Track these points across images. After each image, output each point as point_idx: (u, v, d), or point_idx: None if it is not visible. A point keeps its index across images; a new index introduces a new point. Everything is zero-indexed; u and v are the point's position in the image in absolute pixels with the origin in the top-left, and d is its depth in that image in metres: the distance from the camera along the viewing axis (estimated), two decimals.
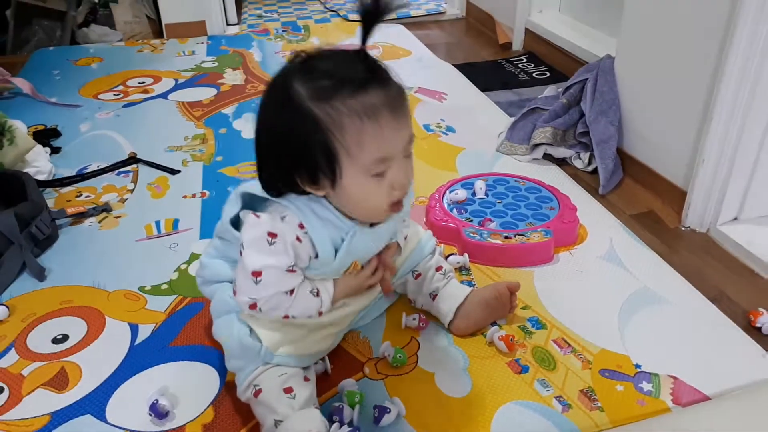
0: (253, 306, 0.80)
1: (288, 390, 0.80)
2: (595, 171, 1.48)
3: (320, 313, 0.85)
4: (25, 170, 1.41)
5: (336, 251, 0.81)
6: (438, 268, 1.02)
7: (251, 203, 0.83)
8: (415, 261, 1.01)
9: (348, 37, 2.48)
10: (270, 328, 0.84)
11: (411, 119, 0.77)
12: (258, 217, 0.78)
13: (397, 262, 0.99)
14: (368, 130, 0.70)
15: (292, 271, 0.80)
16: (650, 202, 1.40)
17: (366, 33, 0.71)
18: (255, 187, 0.82)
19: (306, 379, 0.84)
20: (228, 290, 0.87)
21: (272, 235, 0.77)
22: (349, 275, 0.87)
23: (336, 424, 0.82)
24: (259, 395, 0.81)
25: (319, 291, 0.84)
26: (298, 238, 0.78)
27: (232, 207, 0.85)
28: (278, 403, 0.79)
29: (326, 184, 0.75)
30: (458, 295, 0.99)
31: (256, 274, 0.78)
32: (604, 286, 1.11)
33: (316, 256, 0.81)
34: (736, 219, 1.28)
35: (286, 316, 0.82)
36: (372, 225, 0.84)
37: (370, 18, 0.71)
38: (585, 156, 1.52)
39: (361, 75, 0.71)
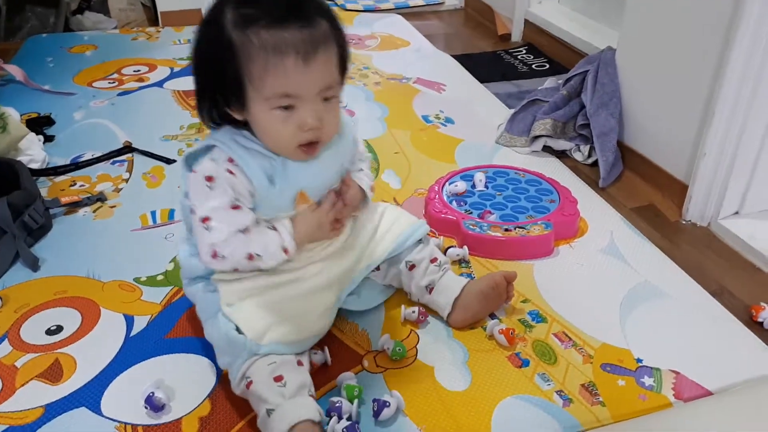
0: (214, 255, 0.80)
1: (278, 378, 0.79)
2: (595, 163, 1.47)
3: (286, 251, 0.83)
4: (18, 158, 1.39)
5: (271, 182, 0.81)
6: (432, 260, 1.00)
7: (192, 164, 0.83)
8: (401, 243, 0.98)
9: (346, 27, 2.45)
10: (252, 317, 0.83)
11: (332, 63, 0.76)
12: (194, 171, 0.80)
13: (377, 236, 0.98)
14: (271, 65, 0.72)
15: (237, 207, 0.80)
16: (651, 196, 1.39)
17: None
18: (192, 147, 0.84)
19: (299, 363, 0.83)
20: (208, 287, 0.87)
21: (209, 179, 0.79)
22: (305, 211, 0.85)
23: (334, 418, 0.80)
24: (251, 386, 0.80)
25: (275, 227, 0.83)
26: (230, 171, 0.79)
27: (182, 179, 0.86)
28: (269, 392, 0.78)
29: (239, 109, 0.77)
30: (455, 287, 0.98)
31: (206, 220, 0.79)
32: (604, 279, 1.10)
33: (254, 190, 0.81)
34: (737, 213, 1.28)
35: (251, 257, 0.81)
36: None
37: None
38: (585, 148, 1.51)
39: (283, 10, 0.72)
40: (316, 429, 0.76)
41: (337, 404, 0.82)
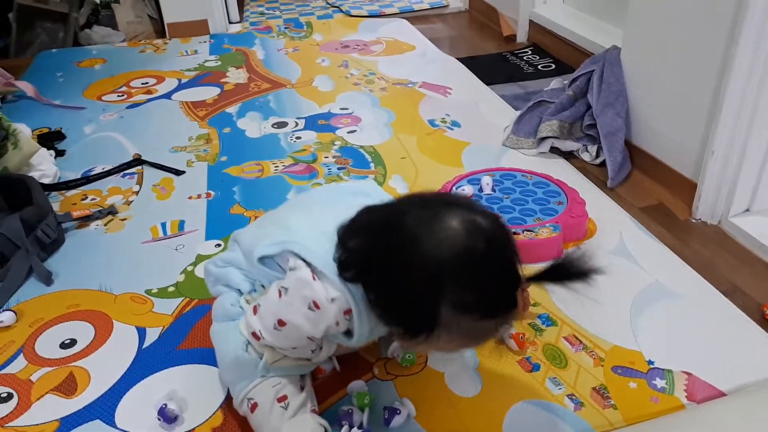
0: (255, 336, 0.78)
1: (282, 399, 0.79)
2: (603, 164, 1.47)
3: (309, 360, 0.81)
4: (30, 174, 1.41)
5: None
6: None
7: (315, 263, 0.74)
8: None
9: (350, 33, 2.46)
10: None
11: None
12: (314, 278, 0.72)
13: None
14: (452, 341, 0.69)
15: (311, 339, 0.76)
16: (660, 195, 1.38)
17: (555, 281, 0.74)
18: (305, 251, 0.74)
19: (301, 388, 0.82)
20: (232, 299, 0.85)
21: (317, 306, 0.72)
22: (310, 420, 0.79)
23: (346, 427, 0.81)
24: (256, 410, 0.79)
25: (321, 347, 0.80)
26: (337, 323, 0.73)
27: (266, 248, 0.79)
28: (271, 414, 0.78)
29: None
30: None
31: (282, 324, 0.74)
32: (614, 281, 1.10)
33: (349, 335, 0.76)
34: (747, 210, 1.26)
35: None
36: None
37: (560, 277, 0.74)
38: (593, 149, 1.50)
39: (500, 307, 0.68)
40: None
41: (348, 412, 0.83)
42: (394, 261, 0.66)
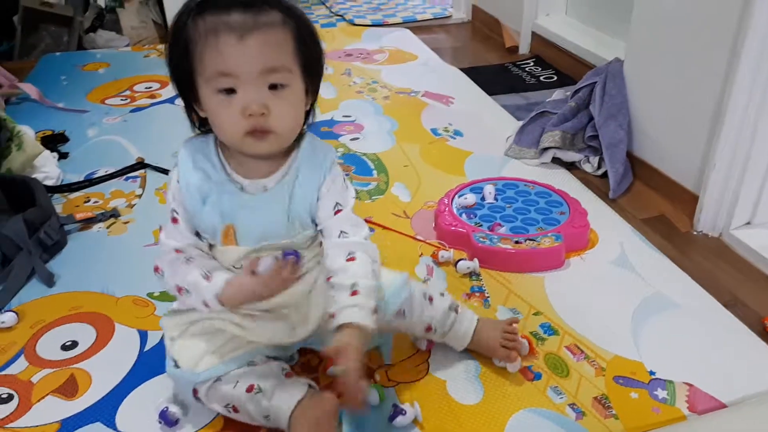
0: (156, 269, 0.82)
1: (250, 388, 0.78)
2: (604, 175, 1.47)
3: (206, 305, 0.78)
4: (34, 176, 1.41)
5: (204, 202, 0.79)
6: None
7: None
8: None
9: (354, 42, 2.48)
10: (188, 346, 0.82)
11: (279, 47, 0.73)
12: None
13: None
14: (208, 44, 0.72)
15: (175, 220, 0.80)
16: (661, 206, 1.39)
17: None
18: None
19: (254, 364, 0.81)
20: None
21: (167, 188, 0.82)
22: (243, 276, 0.76)
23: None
24: (238, 411, 0.80)
25: (209, 275, 0.78)
26: (178, 180, 0.80)
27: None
28: (251, 405, 0.78)
29: (199, 105, 0.78)
30: (464, 339, 0.94)
31: (161, 229, 0.83)
32: (616, 291, 1.10)
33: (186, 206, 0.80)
34: (749, 223, 1.27)
35: (180, 289, 0.80)
36: (243, 189, 0.80)
37: None
38: (594, 160, 1.51)
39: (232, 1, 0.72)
40: (315, 393, 0.79)
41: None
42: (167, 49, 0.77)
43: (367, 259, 0.80)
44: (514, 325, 0.95)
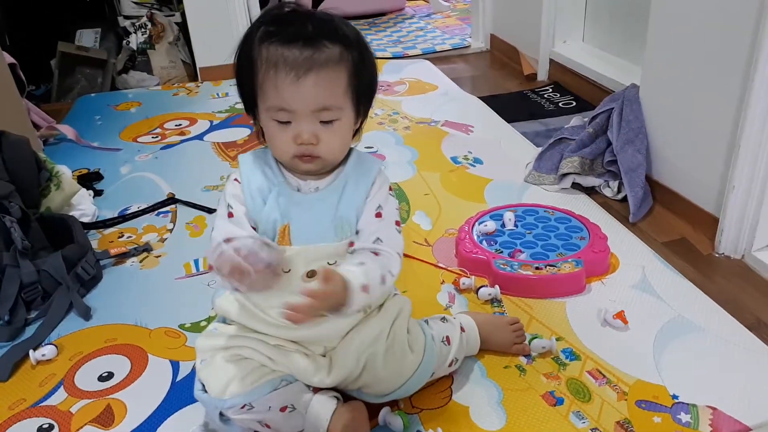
0: (210, 268, 0.75)
1: (283, 409, 0.84)
2: (624, 199, 1.48)
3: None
4: (71, 213, 1.47)
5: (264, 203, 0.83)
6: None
7: None
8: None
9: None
10: (212, 369, 0.86)
11: (333, 86, 0.77)
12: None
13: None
14: (269, 79, 0.77)
15: (231, 215, 0.83)
16: (682, 229, 1.39)
17: None
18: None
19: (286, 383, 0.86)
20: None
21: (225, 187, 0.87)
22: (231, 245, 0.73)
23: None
24: (271, 426, 0.84)
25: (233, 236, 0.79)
26: (236, 179, 0.85)
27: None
28: (286, 422, 0.84)
29: (257, 118, 0.82)
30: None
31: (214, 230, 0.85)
32: (637, 315, 1.10)
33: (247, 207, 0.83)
34: None
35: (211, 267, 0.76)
36: (300, 191, 0.84)
37: None
38: (614, 184, 1.52)
39: (296, 32, 0.76)
40: (345, 404, 0.86)
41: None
42: (235, 61, 0.82)
43: (385, 263, 0.82)
44: (518, 323, 1.05)
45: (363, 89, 0.81)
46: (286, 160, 0.82)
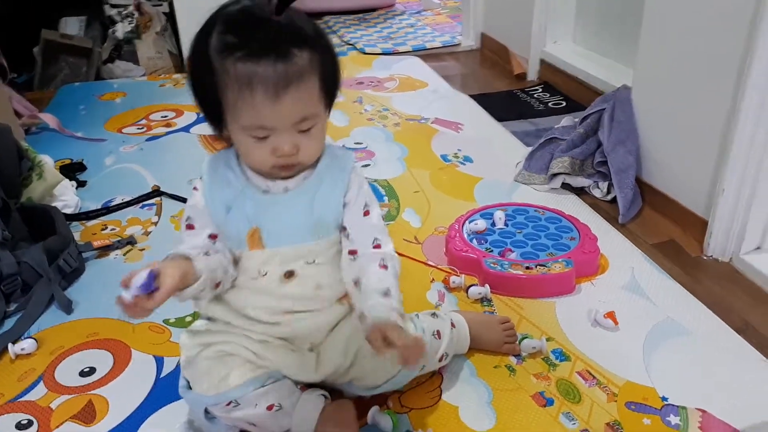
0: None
1: (270, 407, 0.82)
2: (614, 200, 1.49)
3: (217, 285, 0.81)
4: (53, 204, 1.44)
5: (228, 211, 0.80)
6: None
7: None
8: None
9: (364, 70, 2.52)
10: (197, 366, 0.84)
11: (308, 96, 0.74)
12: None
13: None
14: (243, 98, 0.72)
15: (191, 227, 0.82)
16: (671, 231, 1.39)
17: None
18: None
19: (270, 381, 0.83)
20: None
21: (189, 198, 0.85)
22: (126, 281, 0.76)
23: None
24: (257, 425, 0.83)
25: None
26: (195, 188, 0.83)
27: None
28: (272, 421, 0.82)
29: (223, 128, 0.78)
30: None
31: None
32: (627, 316, 1.10)
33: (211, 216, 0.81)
34: (759, 248, 1.27)
35: None
36: (266, 192, 0.81)
37: None
38: (604, 185, 1.52)
39: (261, 43, 0.71)
40: (332, 402, 0.85)
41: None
42: (189, 68, 0.78)
43: (395, 272, 0.82)
44: (509, 323, 1.05)
45: (331, 86, 0.78)
46: (264, 170, 0.79)
